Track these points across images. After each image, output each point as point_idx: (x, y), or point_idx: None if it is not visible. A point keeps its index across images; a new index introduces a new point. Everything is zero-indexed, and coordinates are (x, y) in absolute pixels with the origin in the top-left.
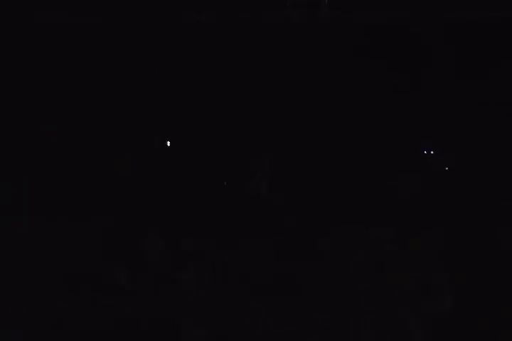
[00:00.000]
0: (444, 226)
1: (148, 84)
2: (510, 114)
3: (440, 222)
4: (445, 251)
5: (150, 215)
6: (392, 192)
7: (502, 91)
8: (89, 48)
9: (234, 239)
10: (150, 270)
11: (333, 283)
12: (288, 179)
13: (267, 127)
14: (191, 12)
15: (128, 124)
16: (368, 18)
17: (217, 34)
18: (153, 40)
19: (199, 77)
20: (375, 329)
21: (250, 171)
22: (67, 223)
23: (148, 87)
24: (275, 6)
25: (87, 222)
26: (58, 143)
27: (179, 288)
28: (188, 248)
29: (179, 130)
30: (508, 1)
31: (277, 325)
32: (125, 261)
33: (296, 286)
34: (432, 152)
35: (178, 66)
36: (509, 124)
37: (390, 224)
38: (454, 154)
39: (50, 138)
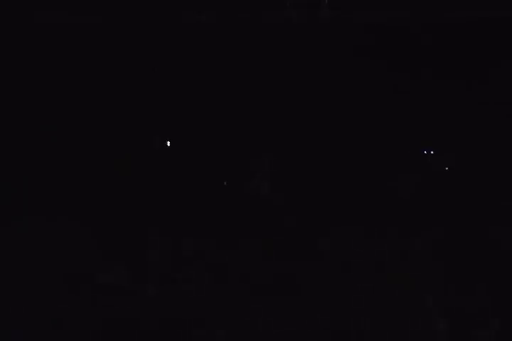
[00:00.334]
0: (444, 226)
1: (148, 84)
2: (510, 114)
3: (440, 221)
4: (445, 251)
5: (150, 215)
6: (392, 192)
7: (502, 91)
8: (89, 48)
9: (234, 239)
10: (150, 270)
11: (333, 282)
12: (288, 179)
13: (267, 127)
14: (191, 12)
15: (128, 124)
16: (368, 18)
17: (217, 34)
18: (153, 40)
19: (199, 77)
20: (375, 329)
21: (250, 171)
22: (67, 223)
23: (148, 87)
24: (275, 6)
25: (86, 222)
26: (58, 143)
27: (179, 288)
28: (188, 248)
29: (179, 130)
30: (508, 1)
31: (277, 325)
32: (125, 261)
33: (296, 286)
34: (431, 152)
35: (178, 66)
36: (509, 124)
37: (390, 224)
38: (454, 154)
39: (50, 138)
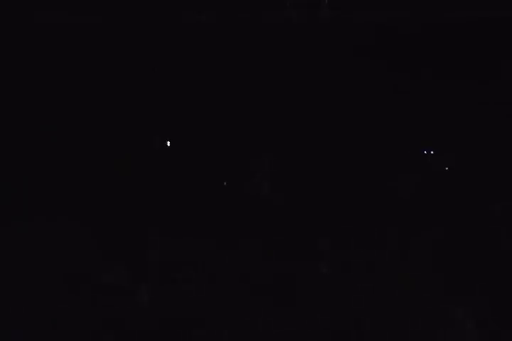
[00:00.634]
0: (444, 226)
1: (148, 84)
2: (510, 114)
3: (440, 221)
4: (445, 251)
5: (150, 215)
6: (392, 192)
7: (502, 91)
8: (89, 48)
9: (234, 239)
10: (150, 270)
11: (333, 282)
12: (288, 179)
13: (267, 127)
14: (191, 12)
15: (128, 124)
16: (368, 18)
17: (217, 34)
18: (153, 40)
19: (199, 77)
20: (374, 328)
21: (250, 171)
22: (67, 223)
23: (148, 87)
24: (275, 6)
25: (86, 222)
26: (58, 143)
27: (179, 288)
28: (188, 248)
29: (179, 130)
30: (508, 1)
31: (277, 325)
32: (125, 261)
33: (295, 286)
34: (431, 152)
35: (178, 66)
36: (509, 124)
37: (390, 224)
38: (454, 154)
39: (50, 138)
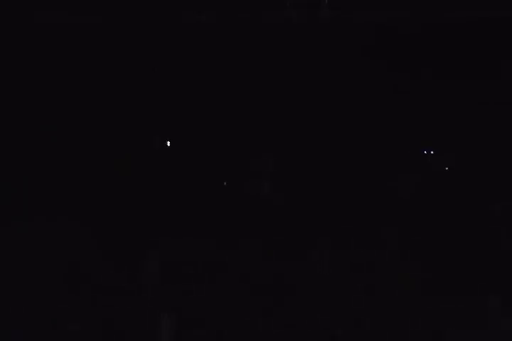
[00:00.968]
0: (444, 226)
1: (148, 84)
2: (511, 113)
3: (440, 221)
4: (444, 250)
5: (150, 215)
6: (392, 192)
7: (502, 91)
8: (89, 48)
9: (234, 239)
10: (150, 270)
11: (333, 282)
12: (288, 179)
13: (267, 127)
14: (191, 12)
15: (128, 124)
16: (368, 18)
17: (217, 34)
18: (153, 40)
19: (199, 77)
20: (374, 328)
21: (250, 171)
22: (67, 223)
23: (148, 87)
24: (275, 6)
25: (86, 222)
26: (58, 143)
27: (179, 288)
28: (188, 248)
29: (179, 130)
30: (508, 1)
31: (277, 325)
32: (125, 261)
33: (295, 286)
34: (432, 152)
35: (178, 66)
36: (509, 124)
37: (390, 224)
38: (454, 154)
39: (50, 138)
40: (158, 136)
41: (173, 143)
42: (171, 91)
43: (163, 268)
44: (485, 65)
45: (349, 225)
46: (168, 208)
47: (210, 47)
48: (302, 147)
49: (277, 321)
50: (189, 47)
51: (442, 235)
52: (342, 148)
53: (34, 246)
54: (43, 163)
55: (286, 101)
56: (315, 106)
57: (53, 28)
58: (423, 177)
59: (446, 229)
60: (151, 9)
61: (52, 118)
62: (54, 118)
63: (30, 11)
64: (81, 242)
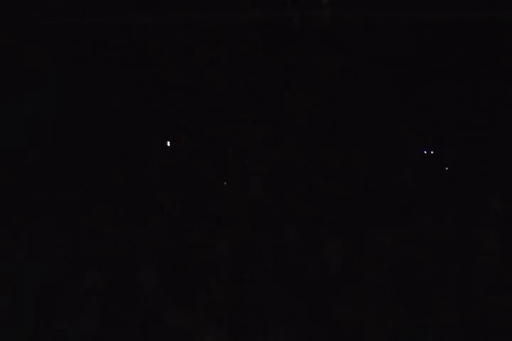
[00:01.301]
0: (444, 225)
1: (148, 85)
2: (510, 113)
3: (440, 221)
4: (444, 250)
5: (150, 215)
6: (392, 191)
7: (502, 91)
8: (90, 48)
9: (234, 239)
10: (150, 270)
11: (333, 282)
12: (288, 179)
13: (268, 127)
14: (191, 12)
15: (128, 124)
16: (368, 18)
17: (217, 34)
18: (153, 40)
19: (199, 77)
20: (374, 328)
21: (250, 171)
22: (65, 223)
23: (148, 87)
24: (275, 6)
25: (86, 222)
26: (58, 143)
27: (179, 288)
28: (187, 248)
29: (179, 130)
30: (508, 1)
31: (277, 324)
32: (124, 261)
33: (296, 286)
34: (432, 152)
35: (178, 66)
36: (509, 124)
37: (390, 224)
38: (453, 154)
39: (50, 138)
40: (158, 136)
41: (173, 143)
42: (171, 91)
43: (163, 268)
44: (485, 65)
45: (349, 224)
46: (168, 208)
47: (210, 47)
48: (302, 147)
49: (277, 321)
50: (189, 47)
51: (441, 234)
52: (342, 148)
53: (33, 246)
54: (42, 163)
55: (286, 100)
56: (315, 105)
57: (53, 28)
58: (423, 177)
59: (445, 228)
60: (151, 9)
61: (52, 118)
62: (54, 118)
63: (30, 11)
64: (79, 242)
